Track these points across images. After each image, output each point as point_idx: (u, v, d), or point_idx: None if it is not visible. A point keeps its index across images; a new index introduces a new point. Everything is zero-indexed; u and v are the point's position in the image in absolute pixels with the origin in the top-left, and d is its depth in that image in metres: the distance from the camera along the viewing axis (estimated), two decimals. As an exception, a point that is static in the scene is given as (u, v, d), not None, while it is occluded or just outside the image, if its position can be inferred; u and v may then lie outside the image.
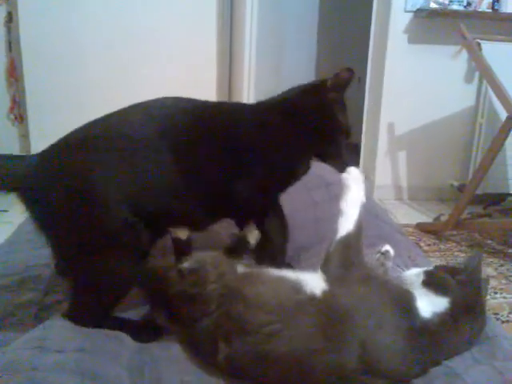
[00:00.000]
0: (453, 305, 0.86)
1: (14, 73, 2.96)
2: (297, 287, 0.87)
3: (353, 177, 1.00)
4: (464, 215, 2.53)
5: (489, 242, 2.45)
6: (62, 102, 2.96)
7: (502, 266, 2.14)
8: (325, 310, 0.83)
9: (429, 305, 0.86)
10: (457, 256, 2.23)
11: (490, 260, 2.20)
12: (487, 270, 2.09)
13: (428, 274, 0.92)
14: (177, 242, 1.06)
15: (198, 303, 0.89)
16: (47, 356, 0.78)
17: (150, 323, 0.98)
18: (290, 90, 1.09)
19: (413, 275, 0.94)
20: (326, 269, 0.92)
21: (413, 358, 0.81)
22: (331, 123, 1.02)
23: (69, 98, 2.97)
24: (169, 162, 0.90)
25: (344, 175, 1.00)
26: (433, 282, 0.89)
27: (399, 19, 2.93)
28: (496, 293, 1.88)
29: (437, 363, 0.84)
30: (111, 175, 0.87)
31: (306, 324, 0.81)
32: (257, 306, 0.84)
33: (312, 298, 0.84)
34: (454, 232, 2.49)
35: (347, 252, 0.92)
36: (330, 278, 0.89)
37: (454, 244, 2.39)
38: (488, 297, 1.84)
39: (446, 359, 0.84)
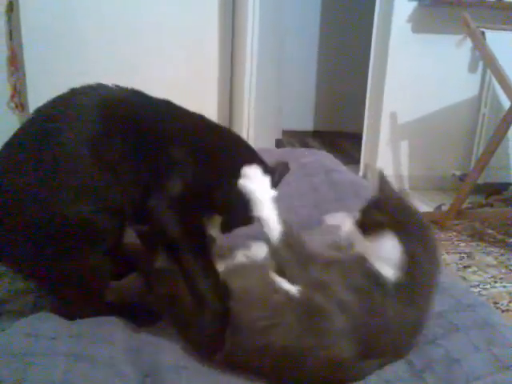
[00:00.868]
0: (397, 238, 0.81)
1: (15, 62, 2.95)
2: (275, 287, 0.83)
3: (250, 177, 0.89)
4: (465, 205, 2.53)
5: (490, 231, 2.45)
6: (62, 91, 2.94)
7: (502, 255, 2.15)
8: (305, 309, 0.80)
9: (385, 262, 0.82)
10: (457, 245, 2.24)
11: (491, 249, 2.20)
12: (487, 259, 2.09)
13: (362, 224, 0.87)
14: (140, 233, 1.03)
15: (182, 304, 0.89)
16: (40, 342, 0.79)
17: (149, 307, 0.98)
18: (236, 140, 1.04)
19: (348, 234, 0.89)
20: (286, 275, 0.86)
21: (399, 324, 0.80)
22: None
23: (69, 87, 2.95)
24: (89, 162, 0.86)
25: (240, 181, 0.89)
26: (369, 229, 0.84)
27: (403, 8, 2.91)
28: (496, 282, 1.89)
29: (421, 324, 0.84)
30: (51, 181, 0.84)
31: (292, 322, 0.79)
32: (246, 301, 0.82)
33: (290, 299, 0.81)
34: (455, 221, 2.49)
35: (293, 252, 0.86)
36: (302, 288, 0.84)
37: (454, 233, 2.39)
38: (488, 286, 1.86)
39: (426, 305, 0.84)
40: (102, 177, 0.86)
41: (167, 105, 0.98)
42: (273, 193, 0.88)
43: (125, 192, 0.88)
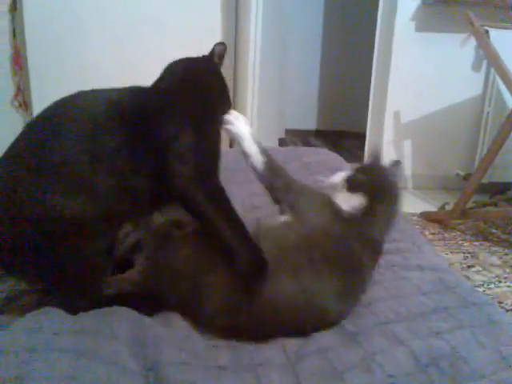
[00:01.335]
0: (366, 197, 1.01)
1: (19, 60, 2.95)
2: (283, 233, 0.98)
3: (234, 117, 1.08)
4: (469, 204, 2.52)
5: (494, 231, 2.44)
6: (65, 90, 2.94)
7: (506, 254, 2.14)
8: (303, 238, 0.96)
9: (346, 202, 1.01)
10: (461, 245, 2.23)
11: (495, 249, 2.19)
12: (491, 259, 2.08)
13: (348, 180, 1.05)
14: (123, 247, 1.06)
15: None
16: (43, 338, 0.79)
17: (151, 295, 0.98)
18: (178, 66, 1.09)
19: (336, 184, 1.07)
20: (276, 199, 1.06)
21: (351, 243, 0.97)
22: (224, 86, 1.11)
23: (72, 86, 2.95)
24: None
25: (228, 127, 1.07)
26: (351, 185, 1.04)
27: (406, 7, 2.90)
28: (500, 281, 1.88)
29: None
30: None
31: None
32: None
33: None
34: (459, 221, 2.48)
35: (276, 176, 1.06)
36: (285, 208, 1.04)
37: (458, 233, 2.38)
38: (492, 285, 1.85)
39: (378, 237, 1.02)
40: (100, 178, 0.87)
41: (135, 88, 1.00)
42: (249, 129, 1.07)
43: (124, 188, 0.89)
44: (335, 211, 1.01)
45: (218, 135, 1.02)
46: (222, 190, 0.93)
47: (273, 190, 1.06)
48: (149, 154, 0.91)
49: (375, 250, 1.03)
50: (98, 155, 0.87)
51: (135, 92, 0.99)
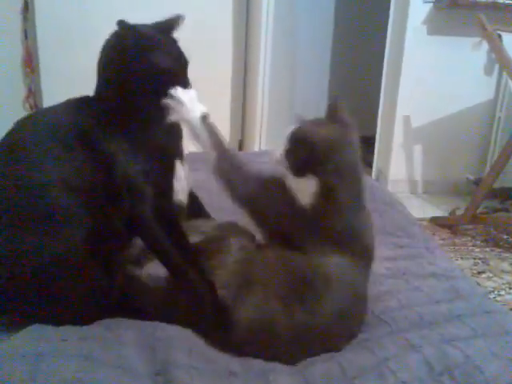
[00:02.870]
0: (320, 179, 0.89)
1: (30, 62, 2.96)
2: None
3: (179, 96, 0.97)
4: (480, 209, 2.50)
5: (505, 236, 2.41)
6: (77, 92, 2.95)
7: (518, 261, 2.12)
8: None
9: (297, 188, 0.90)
10: (472, 250, 2.21)
11: (506, 255, 2.17)
12: (502, 265, 2.06)
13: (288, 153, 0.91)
14: None
15: None
16: (51, 344, 0.79)
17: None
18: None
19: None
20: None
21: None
22: (151, 70, 1.00)
23: (83, 88, 2.97)
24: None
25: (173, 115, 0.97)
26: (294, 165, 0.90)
27: (418, 10, 2.89)
28: (511, 288, 1.86)
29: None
30: None
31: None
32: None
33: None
34: (470, 226, 2.46)
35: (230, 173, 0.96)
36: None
37: (469, 238, 2.36)
38: (503, 292, 1.83)
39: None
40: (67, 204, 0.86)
41: (71, 104, 1.01)
42: (201, 109, 0.96)
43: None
44: (292, 203, 0.90)
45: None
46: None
47: (230, 186, 0.96)
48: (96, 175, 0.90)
49: (347, 244, 0.90)
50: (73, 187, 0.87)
51: (74, 108, 1.00)
